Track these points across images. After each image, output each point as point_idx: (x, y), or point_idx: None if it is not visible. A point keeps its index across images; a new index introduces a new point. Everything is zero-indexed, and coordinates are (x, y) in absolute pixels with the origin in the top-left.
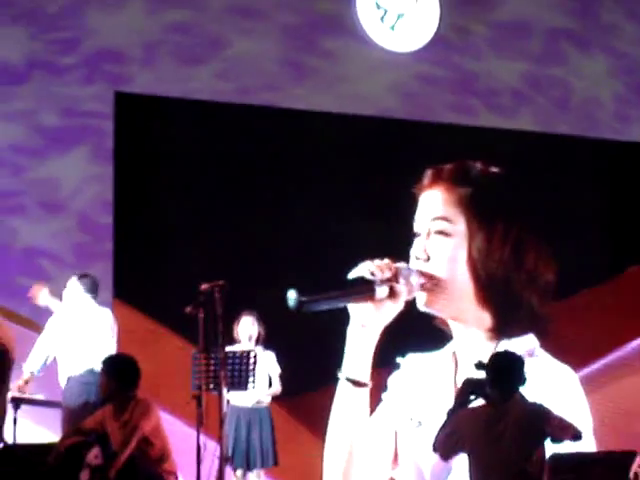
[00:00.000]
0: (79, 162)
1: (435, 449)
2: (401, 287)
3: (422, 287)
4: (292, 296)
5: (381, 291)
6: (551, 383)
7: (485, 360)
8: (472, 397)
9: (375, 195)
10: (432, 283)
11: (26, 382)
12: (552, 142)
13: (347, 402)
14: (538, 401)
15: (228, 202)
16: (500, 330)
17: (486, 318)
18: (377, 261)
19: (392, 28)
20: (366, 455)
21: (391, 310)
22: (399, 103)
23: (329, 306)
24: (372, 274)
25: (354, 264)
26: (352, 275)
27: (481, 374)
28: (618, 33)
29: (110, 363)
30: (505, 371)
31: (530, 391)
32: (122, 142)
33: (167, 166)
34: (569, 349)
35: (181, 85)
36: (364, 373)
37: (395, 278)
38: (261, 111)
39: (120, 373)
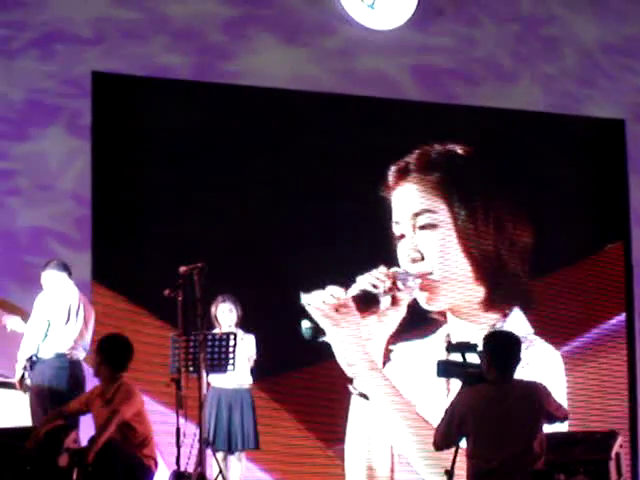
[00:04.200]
0: (57, 141)
1: (436, 444)
2: (402, 295)
3: (421, 287)
4: (306, 326)
5: (385, 301)
6: (543, 365)
7: (454, 341)
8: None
9: (372, 179)
10: (430, 281)
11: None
12: (535, 119)
13: (362, 415)
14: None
15: (209, 182)
16: (490, 301)
17: (480, 292)
18: (375, 272)
19: (371, 7)
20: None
21: (394, 318)
22: (396, 82)
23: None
24: (374, 287)
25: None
26: (353, 291)
27: (456, 356)
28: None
29: (106, 343)
30: (506, 352)
31: (524, 372)
32: (99, 120)
33: (146, 147)
34: (551, 326)
35: (146, 63)
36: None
37: (395, 286)
38: (244, 89)
39: (114, 354)
